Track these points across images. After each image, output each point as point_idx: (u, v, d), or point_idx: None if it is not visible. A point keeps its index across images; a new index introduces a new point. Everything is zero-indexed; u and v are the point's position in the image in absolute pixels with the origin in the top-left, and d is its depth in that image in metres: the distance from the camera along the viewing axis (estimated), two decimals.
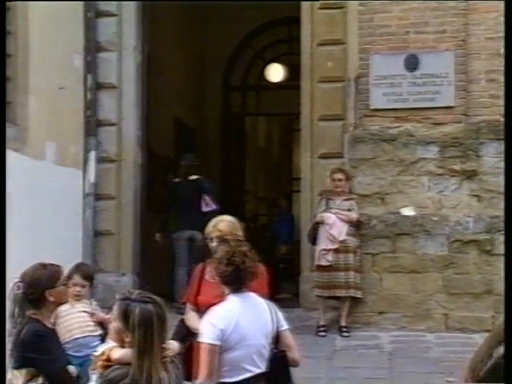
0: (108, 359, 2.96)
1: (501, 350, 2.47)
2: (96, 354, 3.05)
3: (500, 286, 6.81)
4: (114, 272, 8.63)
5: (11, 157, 6.93)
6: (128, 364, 2.87)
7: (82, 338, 4.46)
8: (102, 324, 4.52)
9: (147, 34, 9.22)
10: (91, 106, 8.64)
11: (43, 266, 3.70)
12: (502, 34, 6.17)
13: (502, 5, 5.67)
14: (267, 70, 13.61)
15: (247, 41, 13.25)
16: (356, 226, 7.61)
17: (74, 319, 4.50)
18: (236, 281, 3.39)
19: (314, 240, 7.66)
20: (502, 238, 6.98)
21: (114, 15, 8.81)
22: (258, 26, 12.92)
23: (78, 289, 4.59)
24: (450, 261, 7.57)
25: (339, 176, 7.65)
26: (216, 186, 9.84)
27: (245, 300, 3.38)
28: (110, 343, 3.02)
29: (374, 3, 7.98)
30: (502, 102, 6.81)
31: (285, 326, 3.50)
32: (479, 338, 6.53)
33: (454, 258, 7.57)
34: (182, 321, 4.32)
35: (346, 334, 7.44)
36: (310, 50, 8.39)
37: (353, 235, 7.56)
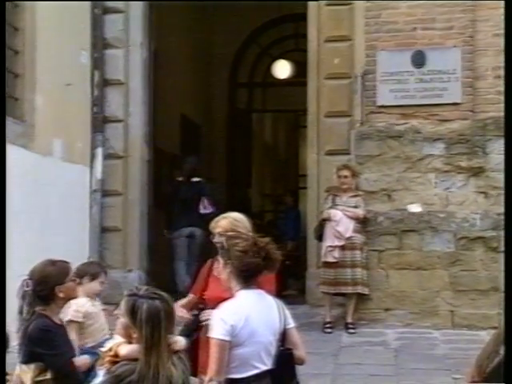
0: (115, 355, 2.97)
1: None
2: (103, 349, 3.06)
3: None
4: (121, 268, 8.66)
5: (18, 153, 6.96)
6: (135, 360, 2.88)
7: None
8: None
9: (154, 30, 9.24)
10: (98, 102, 8.66)
11: (52, 262, 3.72)
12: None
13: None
14: (274, 67, 13.61)
15: (254, 37, 13.25)
16: (362, 223, 7.61)
17: (102, 318, 4.55)
18: (256, 273, 3.36)
19: (320, 237, 7.66)
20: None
21: (120, 12, 8.83)
22: (264, 23, 12.92)
23: (101, 287, 4.65)
24: (457, 258, 7.56)
25: (345, 173, 7.64)
26: (217, 188, 10.29)
27: (254, 296, 3.38)
28: (118, 339, 3.03)
29: None
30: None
31: (292, 323, 3.50)
32: (485, 335, 6.52)
33: (460, 254, 7.56)
34: (191, 316, 4.34)
35: (352, 330, 7.44)
36: (316, 46, 8.38)
37: (359, 232, 7.56)
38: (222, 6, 11.45)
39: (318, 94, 8.36)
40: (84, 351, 4.06)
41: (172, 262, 9.04)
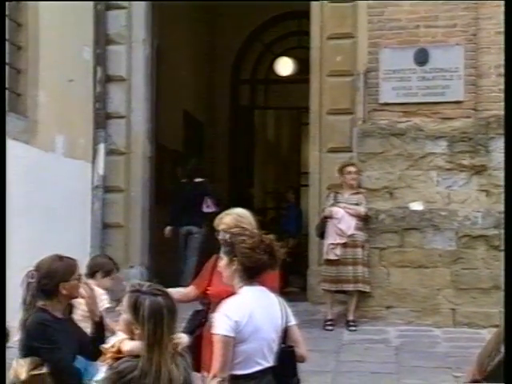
0: (118, 351, 2.97)
1: None
2: (106, 345, 3.07)
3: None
4: (123, 264, 8.64)
5: (21, 149, 6.96)
6: (138, 356, 2.88)
7: None
8: None
9: (157, 27, 9.24)
10: (100, 98, 8.66)
11: (60, 258, 3.72)
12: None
13: None
14: (276, 64, 13.61)
15: (256, 34, 13.25)
16: (364, 221, 7.61)
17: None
18: (261, 271, 3.36)
19: (322, 234, 7.66)
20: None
21: (123, 8, 8.83)
22: (267, 20, 12.92)
23: (110, 285, 4.70)
24: (458, 256, 7.56)
25: (353, 169, 7.66)
26: (219, 188, 10.60)
27: (258, 293, 3.38)
28: (120, 335, 3.03)
29: None
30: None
31: (293, 321, 3.50)
32: (487, 334, 6.52)
33: (462, 253, 7.56)
34: (195, 312, 4.34)
35: (353, 328, 7.45)
36: (319, 43, 8.38)
37: (361, 229, 7.56)
38: (225, 3, 11.45)
39: (320, 91, 8.36)
40: None
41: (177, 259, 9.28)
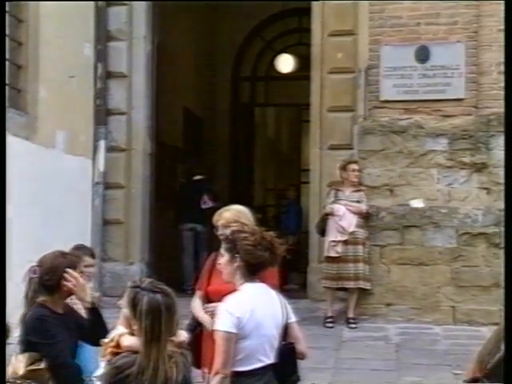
0: (117, 345, 2.96)
1: None
2: (105, 340, 3.06)
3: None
4: (123, 261, 8.67)
5: (21, 145, 6.96)
6: (137, 352, 2.87)
7: None
8: None
9: (157, 23, 9.22)
10: (101, 95, 8.65)
11: (63, 254, 3.73)
12: None
13: None
14: (277, 61, 13.58)
15: (257, 31, 13.22)
16: (365, 218, 7.61)
17: None
18: (263, 267, 3.36)
19: (323, 231, 7.66)
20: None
21: (124, 4, 8.81)
22: (268, 17, 12.89)
23: (91, 269, 4.65)
24: (459, 253, 7.56)
25: (357, 166, 7.66)
26: (216, 184, 10.94)
27: (259, 290, 3.39)
28: (120, 329, 3.03)
29: None
30: None
31: (293, 318, 3.50)
32: (487, 331, 6.52)
33: (462, 250, 7.57)
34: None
35: (353, 325, 7.45)
36: (320, 40, 8.37)
37: (362, 227, 7.56)
38: (226, 1, 11.42)
39: (321, 88, 8.34)
40: None
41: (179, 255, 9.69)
